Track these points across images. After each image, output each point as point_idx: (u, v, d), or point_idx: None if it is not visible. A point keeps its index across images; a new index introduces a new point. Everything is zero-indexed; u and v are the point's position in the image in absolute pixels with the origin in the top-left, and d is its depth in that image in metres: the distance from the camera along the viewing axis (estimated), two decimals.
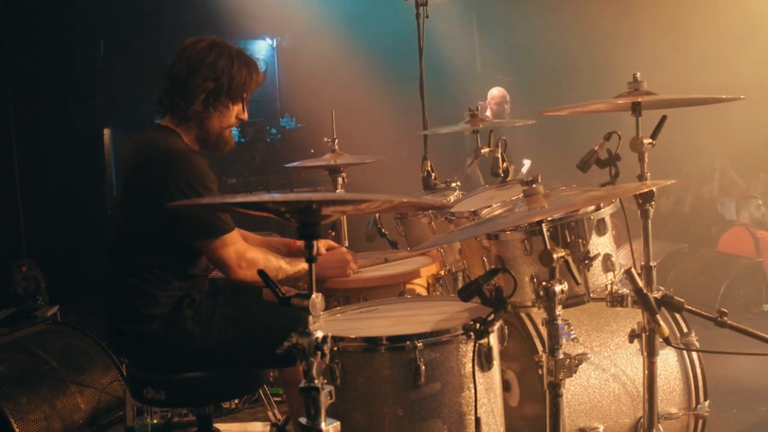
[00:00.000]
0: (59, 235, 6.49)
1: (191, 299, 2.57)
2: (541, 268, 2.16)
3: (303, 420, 1.71)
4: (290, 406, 3.03)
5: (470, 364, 2.08)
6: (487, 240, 2.43)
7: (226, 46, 2.66)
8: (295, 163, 4.18)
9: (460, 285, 3.23)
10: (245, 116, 2.72)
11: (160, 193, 2.44)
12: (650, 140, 2.43)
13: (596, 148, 2.53)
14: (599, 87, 3.92)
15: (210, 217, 2.49)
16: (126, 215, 2.61)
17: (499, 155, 3.10)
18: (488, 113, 6.68)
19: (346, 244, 3.89)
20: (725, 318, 2.43)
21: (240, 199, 1.74)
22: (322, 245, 2.92)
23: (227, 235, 2.50)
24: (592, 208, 2.33)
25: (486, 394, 2.12)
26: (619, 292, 2.43)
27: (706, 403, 2.68)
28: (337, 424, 1.72)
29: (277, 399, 3.63)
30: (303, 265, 2.63)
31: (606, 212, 2.37)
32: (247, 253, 2.54)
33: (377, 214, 3.67)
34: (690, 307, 2.45)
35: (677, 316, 2.73)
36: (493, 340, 2.15)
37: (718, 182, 7.21)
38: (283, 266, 2.63)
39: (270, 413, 3.52)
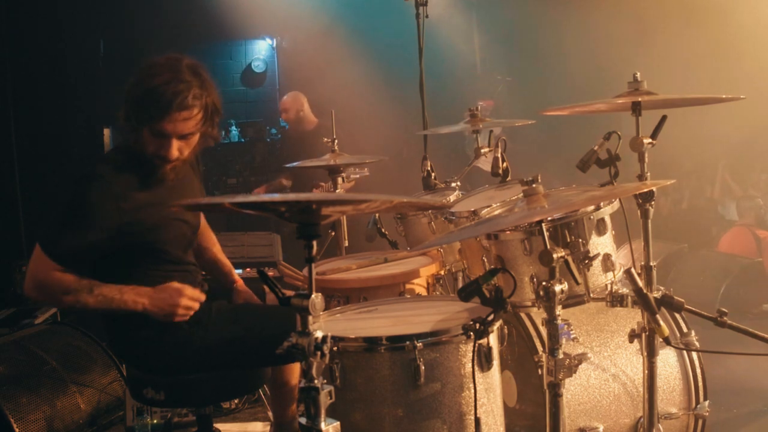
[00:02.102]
0: None
1: None
2: (541, 268, 2.16)
3: (303, 420, 1.71)
4: (274, 409, 3.03)
5: (470, 364, 2.08)
6: (487, 240, 2.43)
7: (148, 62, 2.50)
8: (295, 163, 4.18)
9: (460, 285, 3.23)
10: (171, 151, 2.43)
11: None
12: (650, 140, 2.43)
13: (596, 148, 2.53)
14: (599, 87, 3.92)
15: (58, 233, 2.36)
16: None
17: (499, 155, 3.09)
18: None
19: (346, 244, 3.90)
20: (725, 318, 2.43)
21: (240, 199, 1.74)
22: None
23: (47, 254, 2.34)
24: (592, 208, 2.33)
25: (486, 394, 2.12)
26: (619, 292, 2.44)
27: (706, 403, 2.69)
28: (337, 424, 1.72)
29: None
30: (106, 292, 2.40)
31: (606, 212, 2.37)
32: (39, 275, 2.35)
33: (377, 214, 3.67)
34: (690, 307, 2.45)
35: (677, 316, 2.73)
36: (492, 340, 2.16)
37: (719, 183, 7.20)
38: (81, 299, 2.38)
39: (270, 413, 3.52)
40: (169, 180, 2.51)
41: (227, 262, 3.00)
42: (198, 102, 2.41)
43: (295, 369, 2.88)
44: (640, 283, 2.29)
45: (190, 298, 2.46)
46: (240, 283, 2.94)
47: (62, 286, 2.36)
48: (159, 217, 2.50)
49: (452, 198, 3.34)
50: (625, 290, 2.44)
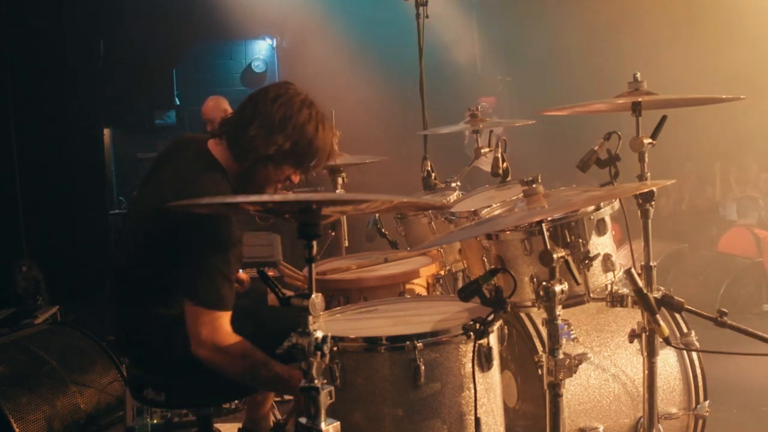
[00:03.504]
0: (59, 235, 6.49)
1: None
2: (541, 268, 2.16)
3: (303, 420, 1.72)
4: (248, 407, 3.07)
5: (470, 364, 2.08)
6: (487, 240, 2.43)
7: (320, 114, 2.53)
8: None
9: (460, 285, 3.24)
10: (296, 179, 2.52)
11: (181, 250, 2.28)
12: (650, 140, 2.43)
13: (596, 148, 2.53)
14: (599, 87, 3.92)
15: (217, 288, 2.28)
16: (139, 259, 2.44)
17: (499, 155, 3.09)
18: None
19: (346, 244, 3.90)
20: (725, 318, 2.43)
21: (240, 199, 1.75)
22: None
23: (221, 312, 2.29)
24: (592, 208, 2.33)
25: (486, 394, 2.12)
26: (619, 292, 2.43)
27: (706, 403, 2.69)
28: (337, 424, 1.72)
29: (277, 399, 3.62)
30: (279, 371, 2.34)
31: (606, 212, 2.37)
32: (226, 340, 2.29)
33: (377, 214, 3.67)
34: (690, 307, 2.45)
35: (677, 316, 2.73)
36: (492, 340, 2.15)
37: (720, 184, 7.21)
38: (255, 369, 2.33)
39: (270, 413, 3.52)
40: None
41: None
42: None
43: None
44: (640, 283, 2.29)
45: None
46: None
47: (242, 349, 2.31)
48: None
49: (452, 198, 3.34)
50: (625, 290, 2.43)
